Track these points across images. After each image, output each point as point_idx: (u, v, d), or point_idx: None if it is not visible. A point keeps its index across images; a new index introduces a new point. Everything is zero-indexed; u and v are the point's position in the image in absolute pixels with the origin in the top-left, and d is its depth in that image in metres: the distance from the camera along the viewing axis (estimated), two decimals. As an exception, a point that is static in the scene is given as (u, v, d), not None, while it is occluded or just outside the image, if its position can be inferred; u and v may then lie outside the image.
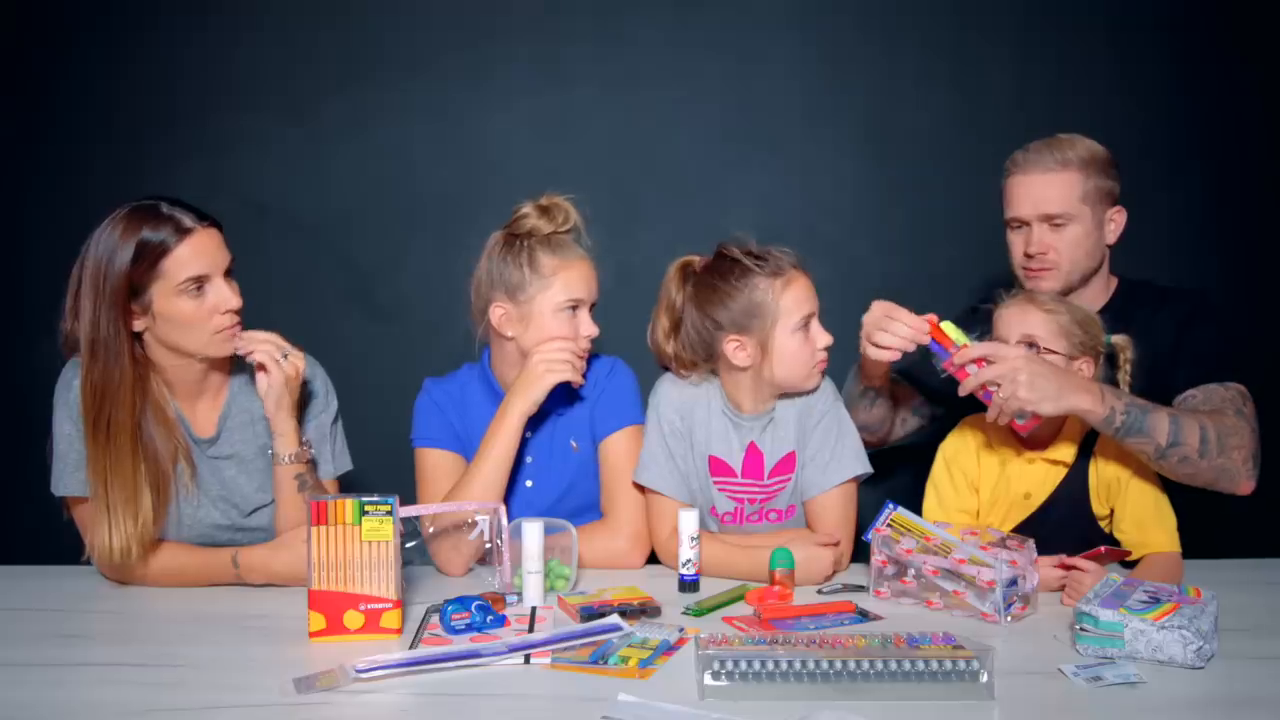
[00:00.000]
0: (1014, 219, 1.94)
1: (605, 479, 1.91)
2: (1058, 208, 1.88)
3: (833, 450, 1.83)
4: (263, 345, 1.71)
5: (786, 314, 1.77)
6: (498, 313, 1.86)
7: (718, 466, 1.86)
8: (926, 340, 1.73)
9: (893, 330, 1.75)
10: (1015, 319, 1.75)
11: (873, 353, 1.78)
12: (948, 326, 1.70)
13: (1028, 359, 1.64)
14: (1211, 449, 1.67)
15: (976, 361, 1.66)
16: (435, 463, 1.90)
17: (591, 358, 1.94)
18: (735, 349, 1.79)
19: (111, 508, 1.66)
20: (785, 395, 1.85)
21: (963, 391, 1.69)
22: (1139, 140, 2.53)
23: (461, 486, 1.80)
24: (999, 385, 1.64)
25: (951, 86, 2.64)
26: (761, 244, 1.82)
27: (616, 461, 1.89)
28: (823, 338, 1.80)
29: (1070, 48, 2.62)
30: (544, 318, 1.84)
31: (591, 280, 1.88)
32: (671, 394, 1.88)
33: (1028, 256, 1.91)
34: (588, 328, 1.87)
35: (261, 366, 1.71)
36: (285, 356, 1.72)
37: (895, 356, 1.77)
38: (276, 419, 1.73)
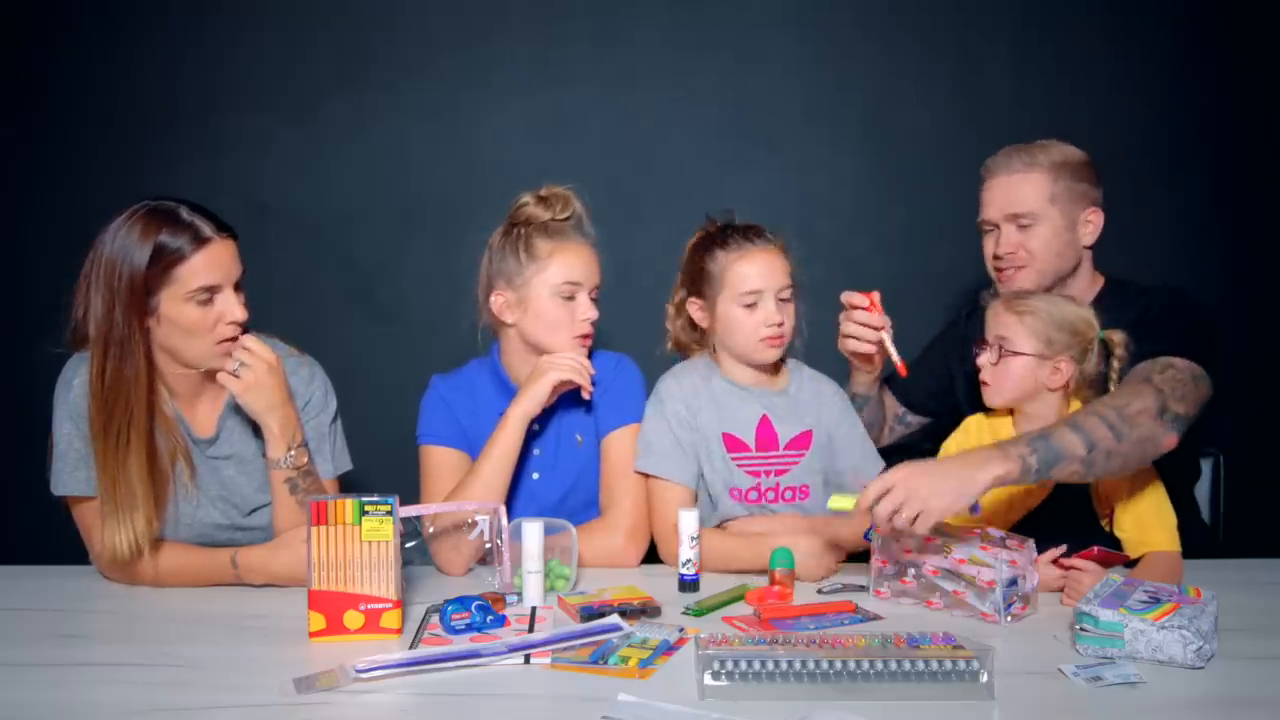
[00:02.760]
0: (983, 221, 1.96)
1: (606, 475, 1.91)
2: (1022, 207, 1.89)
3: (865, 458, 1.93)
4: (229, 363, 1.69)
5: (730, 286, 1.84)
6: (498, 300, 1.87)
7: (732, 443, 1.88)
8: (879, 327, 1.83)
9: (854, 322, 1.86)
10: (991, 320, 1.78)
11: (851, 344, 1.88)
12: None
13: (909, 472, 1.52)
14: (1121, 428, 1.61)
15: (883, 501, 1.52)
16: (440, 460, 1.90)
17: (597, 353, 1.94)
18: (696, 309, 1.91)
19: (120, 506, 1.66)
20: (772, 373, 1.92)
21: (879, 534, 1.63)
22: (1139, 140, 2.53)
23: (463, 486, 1.81)
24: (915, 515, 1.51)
25: (951, 85, 2.64)
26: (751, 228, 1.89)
27: (618, 459, 1.90)
28: (770, 315, 1.83)
29: (1070, 47, 2.62)
30: (541, 301, 1.85)
31: (591, 264, 1.88)
32: (673, 388, 1.90)
33: (996, 258, 1.93)
34: (585, 310, 1.87)
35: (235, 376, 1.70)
36: (241, 364, 1.68)
37: (865, 348, 1.86)
38: (261, 424, 1.72)
